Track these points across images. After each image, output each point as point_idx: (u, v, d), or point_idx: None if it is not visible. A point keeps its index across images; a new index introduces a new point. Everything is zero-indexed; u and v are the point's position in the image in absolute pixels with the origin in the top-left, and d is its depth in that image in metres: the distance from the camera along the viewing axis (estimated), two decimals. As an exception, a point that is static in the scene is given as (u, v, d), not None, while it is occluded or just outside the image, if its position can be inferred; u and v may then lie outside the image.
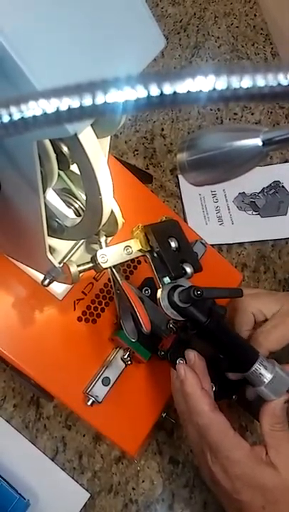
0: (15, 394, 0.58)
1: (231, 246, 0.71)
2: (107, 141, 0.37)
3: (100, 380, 0.48)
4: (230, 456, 0.41)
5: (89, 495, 0.53)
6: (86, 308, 0.51)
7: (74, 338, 0.50)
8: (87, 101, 0.12)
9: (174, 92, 0.12)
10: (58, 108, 0.12)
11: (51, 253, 0.42)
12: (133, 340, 0.47)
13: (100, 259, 0.43)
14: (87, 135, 0.30)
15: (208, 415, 0.42)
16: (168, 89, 0.12)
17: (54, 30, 0.24)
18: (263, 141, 0.25)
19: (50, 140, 0.33)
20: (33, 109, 0.12)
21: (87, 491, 0.54)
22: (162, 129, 0.79)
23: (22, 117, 0.12)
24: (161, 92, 0.12)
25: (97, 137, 0.32)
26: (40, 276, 0.46)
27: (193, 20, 0.91)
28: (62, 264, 0.42)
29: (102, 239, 0.46)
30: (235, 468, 0.41)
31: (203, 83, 0.12)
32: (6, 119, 0.12)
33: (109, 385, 0.48)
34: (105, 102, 0.12)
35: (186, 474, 0.56)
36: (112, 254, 0.44)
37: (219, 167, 0.28)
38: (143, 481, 0.55)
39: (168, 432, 0.57)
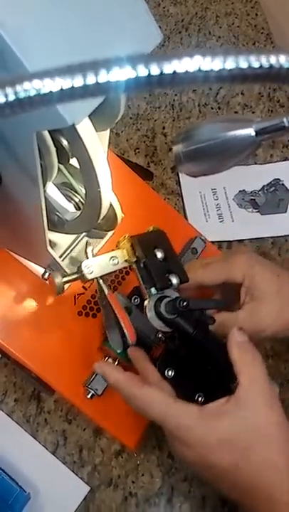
0: (16, 388, 0.58)
1: (231, 243, 0.71)
2: (106, 135, 0.37)
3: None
4: (179, 424, 0.38)
5: (89, 488, 0.54)
6: (86, 303, 0.52)
7: (74, 332, 0.50)
8: (78, 82, 0.12)
9: (161, 73, 0.12)
10: (50, 89, 0.13)
11: (52, 247, 0.42)
12: (118, 351, 0.47)
13: (85, 270, 0.43)
14: (85, 128, 0.31)
15: (140, 393, 0.39)
16: (155, 69, 0.12)
17: (51, 23, 0.25)
18: (256, 131, 0.26)
19: (49, 134, 0.34)
20: (28, 89, 0.13)
21: (87, 484, 0.54)
22: (163, 128, 0.80)
23: (17, 98, 0.13)
24: (149, 73, 0.12)
25: (96, 131, 0.32)
26: (40, 271, 0.46)
27: (195, 19, 0.92)
28: (61, 259, 0.43)
29: (89, 249, 0.45)
30: (190, 434, 0.37)
31: (190, 64, 0.12)
32: (11, 97, 0.13)
33: (109, 379, 0.49)
34: (97, 82, 0.12)
35: (185, 468, 0.56)
36: (97, 264, 0.44)
37: (214, 157, 0.29)
38: (143, 475, 0.55)
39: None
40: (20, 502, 0.51)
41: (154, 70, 0.12)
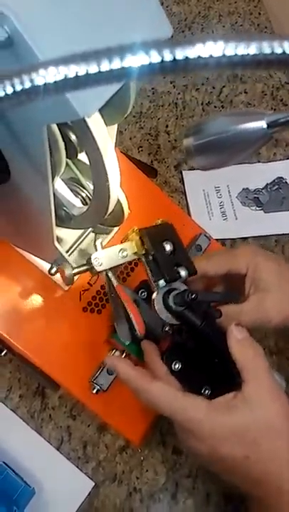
0: (21, 384, 0.58)
1: (235, 241, 0.71)
2: (114, 129, 0.37)
3: (105, 368, 0.49)
4: (188, 418, 0.38)
5: (93, 484, 0.54)
6: (91, 299, 0.52)
7: (80, 328, 0.50)
8: (105, 66, 0.12)
9: (186, 58, 0.12)
10: (76, 73, 0.13)
11: (58, 243, 0.43)
12: (127, 343, 0.47)
13: (94, 262, 0.44)
14: (95, 122, 0.31)
15: (149, 388, 0.40)
16: (180, 54, 0.12)
17: (62, 14, 0.25)
18: (268, 124, 0.26)
19: (58, 128, 0.34)
20: (43, 76, 0.13)
21: (91, 479, 0.54)
22: (167, 126, 0.80)
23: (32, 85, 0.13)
24: (174, 58, 0.12)
25: (106, 124, 0.33)
26: (46, 267, 0.47)
27: (198, 19, 0.92)
28: (68, 254, 0.43)
29: (98, 242, 0.45)
30: (201, 427, 0.38)
31: (213, 49, 0.12)
32: (27, 85, 0.13)
33: (115, 374, 0.49)
34: (122, 66, 0.12)
35: (190, 464, 0.56)
36: (106, 257, 0.44)
37: (225, 150, 0.29)
38: (147, 471, 0.56)
39: (171, 422, 0.57)
40: (24, 497, 0.52)
41: (179, 55, 0.12)
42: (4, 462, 0.53)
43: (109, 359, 0.45)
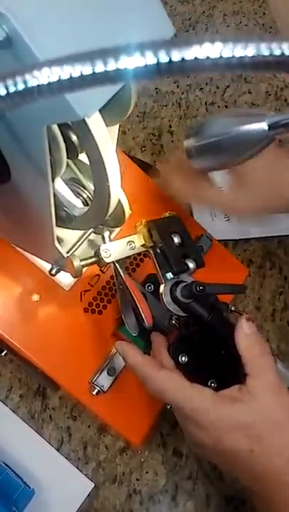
0: (21, 385, 0.58)
1: (237, 242, 0.71)
2: (115, 129, 0.37)
3: (106, 369, 0.49)
4: (194, 407, 0.39)
5: (93, 485, 0.54)
6: (92, 300, 0.52)
7: (80, 329, 0.50)
8: (99, 67, 0.12)
9: (182, 59, 0.12)
10: (71, 74, 0.13)
11: (59, 243, 0.42)
12: (134, 335, 0.47)
13: (103, 254, 0.44)
14: (96, 122, 0.31)
15: (157, 376, 0.40)
16: (176, 56, 0.12)
17: (62, 12, 0.25)
18: (269, 125, 0.26)
19: (59, 128, 0.34)
20: (48, 76, 0.13)
21: (91, 480, 0.54)
22: (170, 126, 0.80)
23: (37, 84, 0.13)
24: (170, 59, 0.12)
25: (106, 125, 0.32)
26: (47, 267, 0.46)
27: (202, 18, 0.91)
28: (68, 254, 0.43)
29: (106, 234, 0.46)
30: (206, 416, 0.38)
31: (210, 50, 0.12)
32: (20, 87, 0.13)
33: (115, 375, 0.49)
34: (117, 68, 0.12)
35: (190, 466, 0.56)
36: (115, 249, 0.44)
37: (226, 152, 0.28)
38: (147, 472, 0.55)
39: (172, 424, 0.57)
40: (24, 498, 0.52)
41: (176, 56, 0.12)
42: (4, 462, 0.53)
43: (119, 345, 0.45)
